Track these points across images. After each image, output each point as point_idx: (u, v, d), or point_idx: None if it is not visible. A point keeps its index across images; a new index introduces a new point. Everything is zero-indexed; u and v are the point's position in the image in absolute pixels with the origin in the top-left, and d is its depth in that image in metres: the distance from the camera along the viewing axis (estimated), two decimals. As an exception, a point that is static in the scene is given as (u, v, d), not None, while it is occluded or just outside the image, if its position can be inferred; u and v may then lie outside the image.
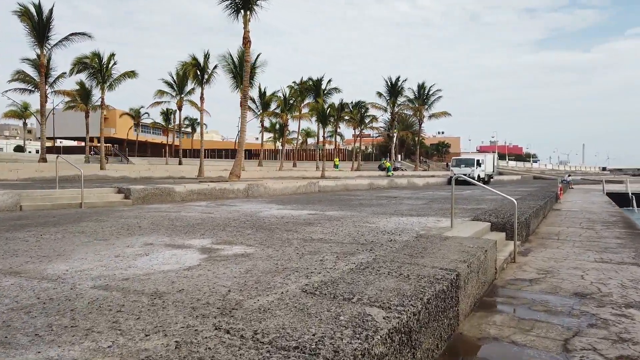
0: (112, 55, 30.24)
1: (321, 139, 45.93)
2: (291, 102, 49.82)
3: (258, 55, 36.00)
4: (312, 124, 56.91)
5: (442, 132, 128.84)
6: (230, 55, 33.26)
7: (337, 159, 58.69)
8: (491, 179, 37.59)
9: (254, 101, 49.49)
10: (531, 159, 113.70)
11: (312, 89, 42.16)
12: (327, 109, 37.81)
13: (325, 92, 41.69)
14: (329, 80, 40.93)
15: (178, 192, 13.34)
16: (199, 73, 30.63)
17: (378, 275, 3.66)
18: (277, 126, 61.71)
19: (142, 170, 29.91)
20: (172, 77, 42.42)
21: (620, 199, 29.89)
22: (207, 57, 30.49)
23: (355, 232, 6.83)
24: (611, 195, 27.69)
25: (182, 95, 43.12)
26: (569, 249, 7.99)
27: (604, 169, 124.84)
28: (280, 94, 49.45)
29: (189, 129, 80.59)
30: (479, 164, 33.14)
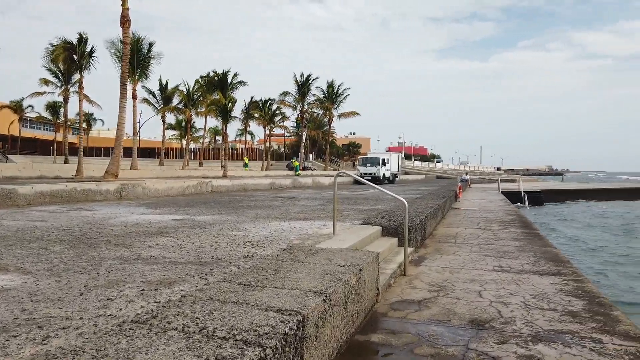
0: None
1: (231, 137, 43.51)
2: (196, 97, 46.87)
3: (152, 45, 33.11)
4: (220, 122, 54.13)
5: (354, 133, 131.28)
6: (121, 41, 30.02)
7: (247, 158, 56.58)
8: (396, 178, 37.96)
9: (154, 95, 45.87)
10: (435, 159, 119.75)
11: (218, 83, 39.70)
12: (230, 104, 35.65)
13: (231, 86, 39.46)
14: (235, 74, 38.73)
15: (22, 195, 10.83)
16: (75, 58, 27.01)
17: (160, 336, 2.15)
18: (184, 123, 58.09)
19: (11, 169, 25.76)
20: (58, 65, 37.68)
21: (514, 197, 31.39)
22: (84, 40, 26.96)
23: (210, 245, 5.28)
24: (506, 193, 28.86)
25: (69, 86, 38.52)
26: (467, 254, 7.10)
27: (498, 169, 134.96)
28: (183, 88, 46.37)
29: (83, 125, 73.58)
30: (384, 163, 33.24)
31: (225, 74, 38.19)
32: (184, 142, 64.28)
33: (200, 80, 45.27)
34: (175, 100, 47.47)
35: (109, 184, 13.95)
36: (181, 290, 3.20)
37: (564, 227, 22.87)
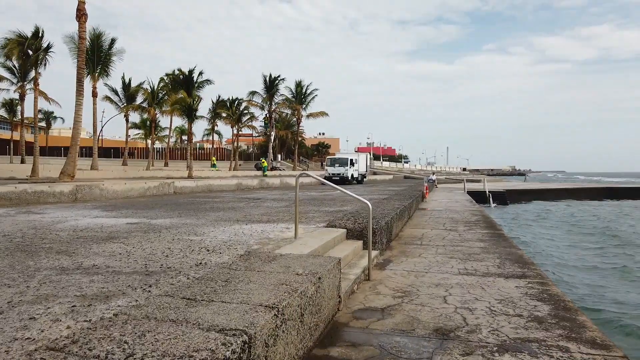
0: None
1: (198, 136, 42.52)
2: (161, 95, 45.66)
3: (113, 41, 32.00)
4: (186, 121, 52.82)
5: (323, 134, 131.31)
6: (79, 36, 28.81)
7: (215, 158, 55.54)
8: (365, 179, 38.01)
9: (116, 93, 44.41)
10: (403, 160, 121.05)
11: (183, 82, 38.75)
12: (196, 103, 34.81)
13: (197, 84, 38.60)
14: (201, 72, 37.86)
15: (-35, 197, 10.10)
16: (31, 53, 25.72)
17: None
18: (148, 122, 56.51)
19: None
20: (12, 61, 35.89)
21: (479, 197, 31.93)
22: (40, 35, 25.69)
23: (162, 252, 4.93)
24: (471, 193, 29.30)
25: (25, 82, 36.75)
26: (432, 256, 6.97)
27: (464, 169, 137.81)
28: (147, 86, 45.12)
29: (42, 123, 70.95)
30: (352, 164, 33.17)
31: (190, 72, 37.33)
32: (149, 141, 62.73)
33: (165, 78, 44.12)
34: (139, 99, 46.14)
35: (64, 185, 13.24)
36: (118, 306, 2.87)
37: (527, 229, 23.36)
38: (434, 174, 57.81)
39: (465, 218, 12.77)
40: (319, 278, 3.53)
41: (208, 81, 38.74)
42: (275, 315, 2.59)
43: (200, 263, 4.29)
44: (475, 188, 36.00)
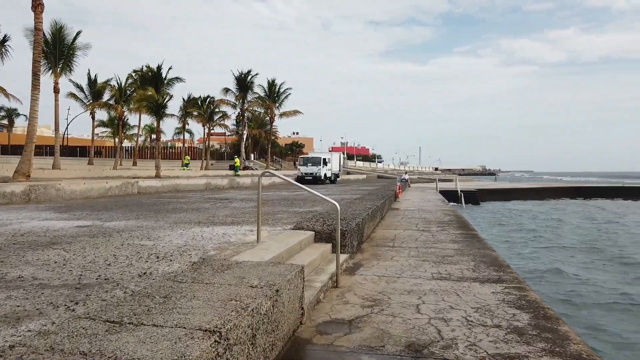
0: None
1: (169, 135, 41.33)
2: (129, 92, 44.22)
3: (78, 34, 30.65)
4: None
5: (297, 133, 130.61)
6: (43, 31, 27.47)
7: (187, 157, 54.14)
8: (338, 178, 37.68)
9: (82, 89, 42.78)
10: (376, 159, 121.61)
11: (152, 78, 37.55)
12: (164, 100, 33.73)
13: (167, 82, 37.51)
14: (170, 68, 36.74)
15: None
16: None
17: None
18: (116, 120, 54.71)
19: None
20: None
21: (451, 196, 32.09)
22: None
23: (104, 259, 4.40)
24: (443, 192, 29.38)
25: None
26: (405, 259, 6.63)
27: (436, 169, 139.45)
28: (114, 83, 43.66)
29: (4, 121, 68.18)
30: (325, 163, 32.75)
31: (159, 68, 36.17)
32: (117, 140, 60.87)
33: (133, 74, 42.79)
34: (107, 96, 44.61)
35: (16, 185, 12.38)
36: (27, 331, 2.37)
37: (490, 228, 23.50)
38: (406, 173, 58.19)
39: (438, 218, 12.55)
40: (277, 291, 3.10)
41: (178, 79, 37.66)
42: (216, 342, 2.15)
43: (144, 273, 3.80)
44: (447, 187, 36.18)
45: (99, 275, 3.69)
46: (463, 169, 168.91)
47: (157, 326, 2.27)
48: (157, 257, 4.49)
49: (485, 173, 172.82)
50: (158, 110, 31.23)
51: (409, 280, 5.37)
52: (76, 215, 8.88)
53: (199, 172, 37.75)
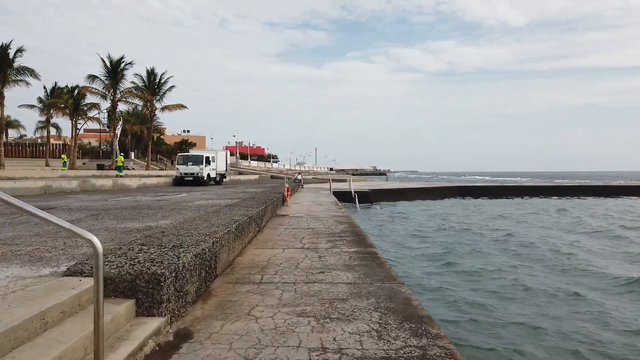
0: None
1: (29, 130, 34.44)
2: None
3: None
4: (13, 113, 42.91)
5: (188, 131, 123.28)
6: None
7: (64, 156, 46.24)
8: (224, 178, 34.29)
9: None
10: (272, 159, 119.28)
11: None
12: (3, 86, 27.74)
13: (16, 70, 31.28)
14: (20, 49, 30.59)
15: None
16: None
17: None
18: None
19: None
20: None
21: (345, 197, 30.63)
22: None
23: None
24: (337, 194, 27.74)
25: None
26: (270, 315, 4.07)
27: (331, 169, 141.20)
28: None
29: None
30: (208, 162, 29.09)
31: (4, 48, 29.97)
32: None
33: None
34: None
35: None
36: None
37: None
38: (299, 173, 56.41)
39: (329, 228, 10.28)
40: None
41: (30, 70, 31.53)
42: None
43: None
44: (341, 188, 34.81)
45: None
46: (356, 169, 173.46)
47: None
48: None
49: (377, 173, 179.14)
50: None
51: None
52: None
53: (56, 172, 31.65)
